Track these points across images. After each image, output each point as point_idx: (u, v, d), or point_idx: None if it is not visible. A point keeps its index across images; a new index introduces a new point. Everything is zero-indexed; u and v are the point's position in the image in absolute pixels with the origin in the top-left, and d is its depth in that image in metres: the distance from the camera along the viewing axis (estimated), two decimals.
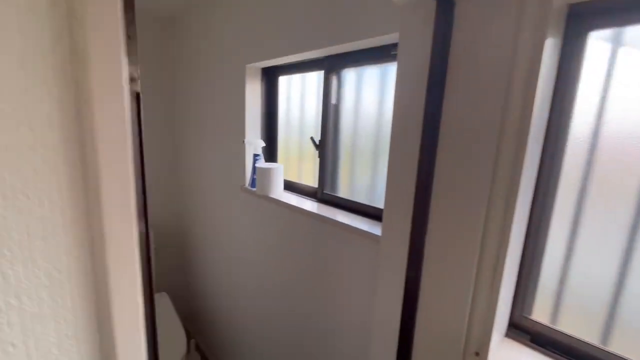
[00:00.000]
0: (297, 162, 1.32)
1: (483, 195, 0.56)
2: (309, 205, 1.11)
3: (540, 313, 0.65)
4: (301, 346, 1.21)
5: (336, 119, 1.09)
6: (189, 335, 2.12)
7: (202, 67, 1.59)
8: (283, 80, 1.32)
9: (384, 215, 0.71)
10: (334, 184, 1.14)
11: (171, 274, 2.13)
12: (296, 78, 1.26)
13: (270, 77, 1.35)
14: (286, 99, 1.33)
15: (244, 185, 1.37)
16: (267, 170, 1.18)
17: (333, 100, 1.08)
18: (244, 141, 1.27)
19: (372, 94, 0.98)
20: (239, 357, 1.64)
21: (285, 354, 1.31)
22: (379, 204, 0.98)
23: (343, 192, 1.12)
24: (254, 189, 1.27)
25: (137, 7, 0.31)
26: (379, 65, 0.95)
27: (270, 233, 1.29)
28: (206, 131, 1.67)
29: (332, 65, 1.06)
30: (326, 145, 1.12)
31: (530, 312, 0.65)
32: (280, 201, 1.16)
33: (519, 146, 0.54)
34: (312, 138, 1.14)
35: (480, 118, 0.55)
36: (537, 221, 0.62)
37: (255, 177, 1.25)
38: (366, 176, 1.05)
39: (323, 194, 1.15)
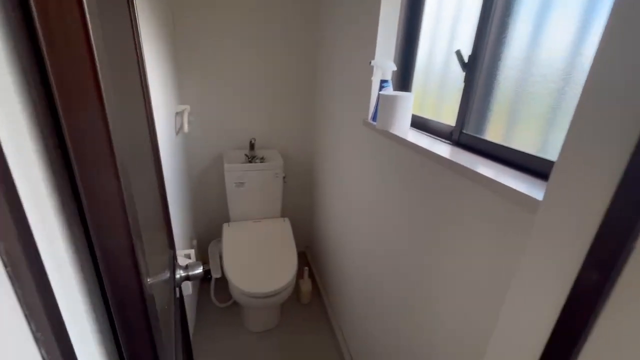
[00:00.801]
0: (436, 96, 1.02)
1: None
2: (439, 148, 0.83)
3: None
4: (409, 308, 1.04)
5: (502, 29, 0.72)
6: (305, 262, 2.29)
7: None
8: None
9: (557, 169, 0.39)
10: (480, 123, 0.81)
11: (297, 203, 2.26)
12: None
13: None
14: (435, 11, 0.99)
15: (366, 118, 1.19)
16: (391, 98, 0.94)
17: None
18: (370, 63, 1.05)
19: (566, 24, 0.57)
20: (345, 297, 1.63)
21: (391, 308, 1.18)
22: (549, 153, 0.62)
23: (492, 134, 0.78)
24: (374, 123, 1.07)
25: None
26: None
27: (390, 176, 1.09)
28: (335, 52, 1.51)
29: None
30: (478, 66, 0.78)
31: None
32: (402, 139, 0.92)
33: None
34: (458, 52, 0.81)
35: None
36: None
37: (377, 108, 1.04)
38: (537, 120, 0.67)
39: (461, 135, 0.85)
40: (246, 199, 1.90)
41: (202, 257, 2.11)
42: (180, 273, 0.82)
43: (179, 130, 1.58)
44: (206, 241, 2.17)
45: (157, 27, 1.22)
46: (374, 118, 1.11)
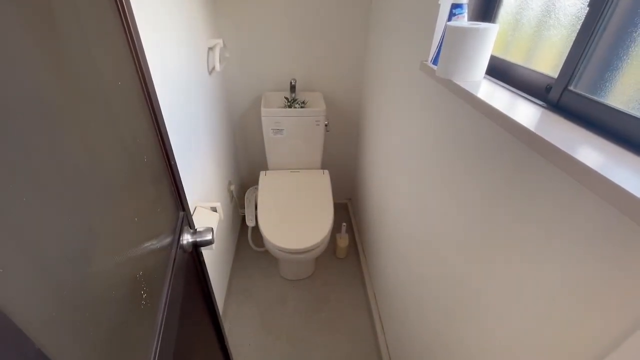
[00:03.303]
0: (533, 32, 0.69)
1: None
2: (525, 112, 0.57)
3: None
4: (450, 310, 0.89)
5: None
6: (346, 215, 2.19)
7: None
8: None
9: None
10: (601, 77, 0.51)
11: (341, 151, 2.08)
12: None
13: None
14: None
15: (426, 59, 0.90)
16: (461, 31, 0.66)
17: None
18: None
19: None
20: (382, 261, 1.52)
21: (430, 299, 1.04)
22: None
23: (619, 97, 0.49)
24: (435, 67, 0.80)
25: None
26: None
27: (447, 142, 0.85)
28: None
29: None
30: None
31: None
32: (468, 93, 0.66)
33: None
34: None
35: None
36: None
37: (441, 45, 0.75)
38: None
39: (565, 94, 0.56)
40: (284, 147, 1.77)
41: (241, 202, 2.12)
42: (187, 239, 0.75)
43: (212, 69, 1.44)
44: (248, 184, 2.16)
45: None
46: (436, 60, 0.83)
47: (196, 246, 0.79)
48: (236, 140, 2.01)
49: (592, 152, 0.42)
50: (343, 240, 1.88)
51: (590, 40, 0.52)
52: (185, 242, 0.73)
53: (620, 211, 0.35)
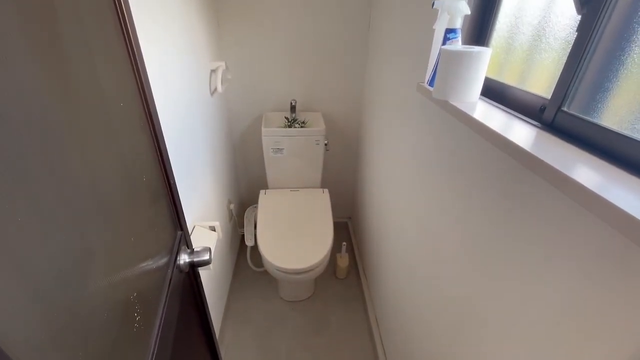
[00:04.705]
0: (525, 55, 0.72)
1: None
2: (520, 132, 0.57)
3: None
4: (452, 332, 0.87)
5: None
6: (346, 234, 2.17)
7: None
8: None
9: None
10: (593, 99, 0.53)
11: (341, 169, 2.09)
12: None
13: None
14: None
15: (422, 81, 0.92)
16: (455, 55, 0.68)
17: None
18: (433, 5, 0.77)
19: None
20: (382, 278, 1.49)
21: (425, 317, 1.01)
22: None
23: (612, 118, 0.50)
24: (431, 89, 0.82)
25: None
26: None
27: (445, 161, 0.85)
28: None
29: None
30: (606, 5, 0.48)
31: None
32: (465, 114, 0.67)
33: None
34: None
35: None
36: None
37: (437, 68, 0.77)
38: None
39: (559, 114, 0.57)
40: (284, 166, 1.78)
41: (240, 221, 2.11)
42: (184, 259, 0.74)
43: (214, 90, 1.47)
44: (248, 203, 2.15)
45: None
46: (432, 82, 0.85)
47: (193, 266, 0.78)
48: (236, 159, 2.02)
49: (587, 171, 0.43)
50: (343, 260, 1.85)
51: (580, 64, 0.53)
52: (182, 262, 0.73)
53: (611, 226, 0.35)
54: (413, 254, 1.07)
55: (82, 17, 0.40)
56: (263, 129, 1.65)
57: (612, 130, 0.48)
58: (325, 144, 1.74)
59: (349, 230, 2.26)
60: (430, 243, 0.93)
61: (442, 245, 0.85)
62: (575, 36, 0.54)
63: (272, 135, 1.67)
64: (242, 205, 2.16)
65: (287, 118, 1.78)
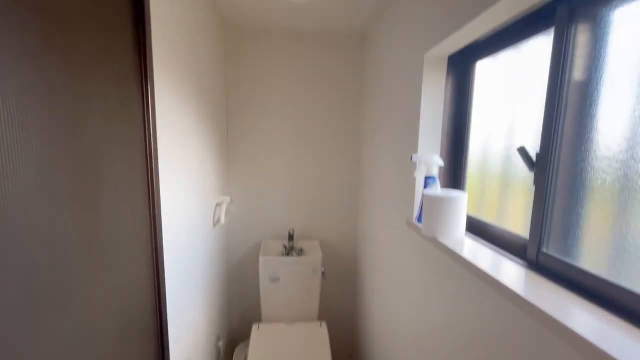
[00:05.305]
0: (497, 197, 0.82)
1: None
2: (508, 271, 0.60)
3: None
4: None
5: (581, 111, 0.55)
6: None
7: (377, 72, 1.37)
8: (483, 68, 0.88)
9: None
10: (566, 241, 0.58)
11: (338, 301, 1.99)
12: (505, 58, 0.79)
13: (461, 66, 0.93)
14: (486, 95, 0.86)
15: (411, 218, 1.01)
16: (437, 200, 0.77)
17: (576, 75, 0.56)
18: (411, 158, 0.92)
19: None
20: None
21: None
22: None
23: (588, 260, 0.54)
24: (420, 226, 0.89)
25: None
26: None
27: (440, 294, 0.85)
28: (378, 146, 1.42)
29: (575, 8, 0.55)
30: (551, 165, 0.59)
31: None
32: (453, 252, 0.71)
33: None
34: (522, 149, 0.63)
35: None
36: None
37: (422, 208, 0.86)
38: None
39: (540, 255, 0.61)
40: (280, 296, 1.71)
41: None
42: None
43: (216, 221, 1.55)
44: (238, 339, 1.96)
45: (202, 123, 1.28)
46: (420, 219, 0.93)
47: None
48: (231, 287, 1.95)
49: (583, 318, 0.44)
50: None
51: (545, 211, 0.61)
52: None
53: None
54: None
55: (118, 179, 0.48)
56: (260, 258, 1.66)
57: (591, 274, 0.51)
58: (322, 272, 1.72)
59: None
60: None
61: None
62: (534, 188, 0.63)
63: (270, 263, 1.66)
64: (231, 341, 1.96)
65: (285, 246, 1.81)
